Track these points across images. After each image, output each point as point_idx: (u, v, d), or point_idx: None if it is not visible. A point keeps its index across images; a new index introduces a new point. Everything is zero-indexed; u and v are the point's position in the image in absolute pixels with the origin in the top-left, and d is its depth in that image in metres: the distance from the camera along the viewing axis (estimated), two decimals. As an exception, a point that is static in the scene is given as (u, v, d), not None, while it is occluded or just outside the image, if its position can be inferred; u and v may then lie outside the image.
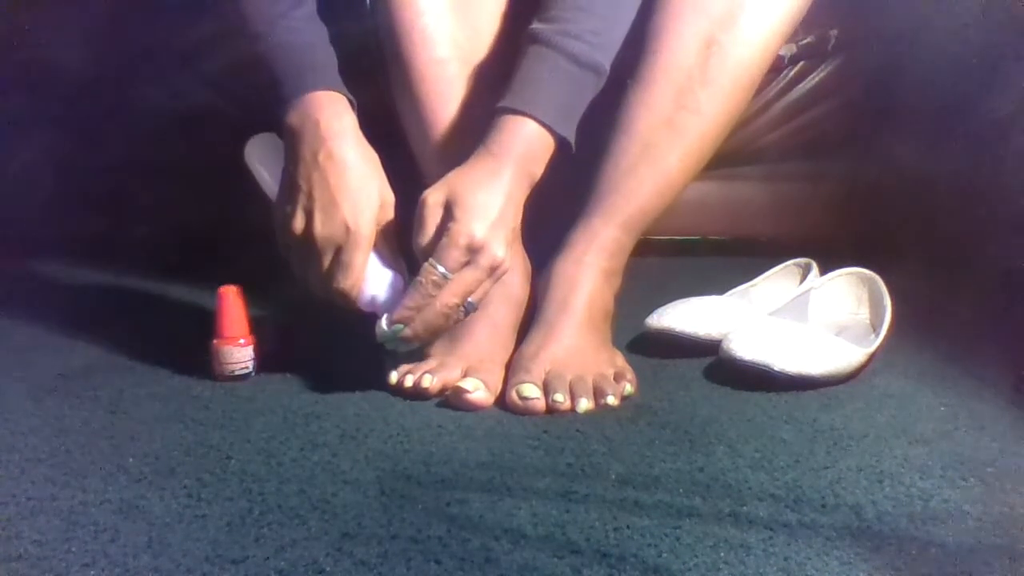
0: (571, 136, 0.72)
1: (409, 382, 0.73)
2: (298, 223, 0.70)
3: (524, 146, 0.70)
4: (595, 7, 0.73)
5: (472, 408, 0.70)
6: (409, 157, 0.85)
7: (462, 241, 0.67)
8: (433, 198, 0.69)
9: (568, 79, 0.72)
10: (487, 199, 0.68)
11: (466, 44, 0.80)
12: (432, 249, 0.68)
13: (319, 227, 0.70)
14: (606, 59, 0.73)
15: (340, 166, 0.71)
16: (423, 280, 0.67)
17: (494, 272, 0.69)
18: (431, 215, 0.69)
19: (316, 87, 0.72)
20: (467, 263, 0.67)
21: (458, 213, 0.67)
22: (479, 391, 0.71)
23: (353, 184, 0.70)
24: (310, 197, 0.70)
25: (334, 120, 0.72)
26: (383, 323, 0.69)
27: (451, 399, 0.71)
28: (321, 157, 0.71)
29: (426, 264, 0.68)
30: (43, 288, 1.12)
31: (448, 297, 0.68)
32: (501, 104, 0.71)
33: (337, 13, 0.83)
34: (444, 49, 0.79)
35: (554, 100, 0.71)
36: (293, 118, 0.72)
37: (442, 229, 0.68)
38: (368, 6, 0.82)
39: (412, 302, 0.68)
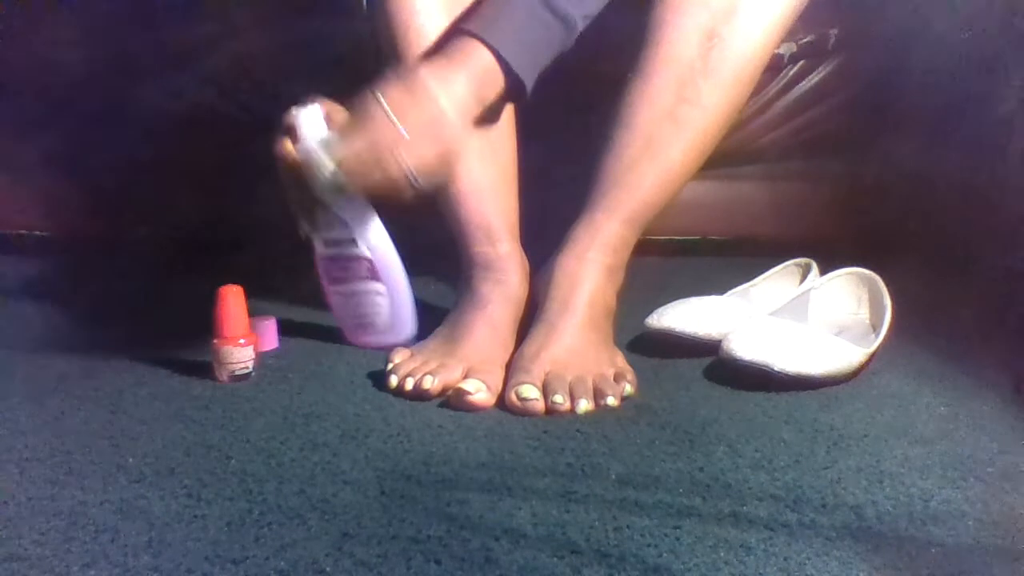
0: (527, 78, 0.74)
1: (410, 384, 0.73)
2: None
3: (472, 67, 0.72)
4: None
5: (473, 409, 0.70)
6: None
7: (408, 78, 0.70)
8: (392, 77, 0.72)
9: (533, 20, 0.73)
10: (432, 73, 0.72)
11: None
12: None
13: None
14: (578, 14, 0.74)
15: None
16: (361, 103, 0.70)
17: (429, 112, 0.71)
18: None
19: None
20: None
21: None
22: (480, 392, 0.70)
23: None
24: None
25: None
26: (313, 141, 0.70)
27: (452, 400, 0.71)
28: None
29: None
30: (43, 288, 1.12)
31: (382, 129, 0.70)
32: (462, 26, 0.73)
33: (335, 14, 0.83)
34: None
35: (515, 35, 0.73)
36: None
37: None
38: (365, 7, 0.83)
39: (345, 122, 0.71)
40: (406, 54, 0.79)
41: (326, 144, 0.70)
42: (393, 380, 0.74)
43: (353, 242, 0.80)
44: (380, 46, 0.82)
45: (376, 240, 0.81)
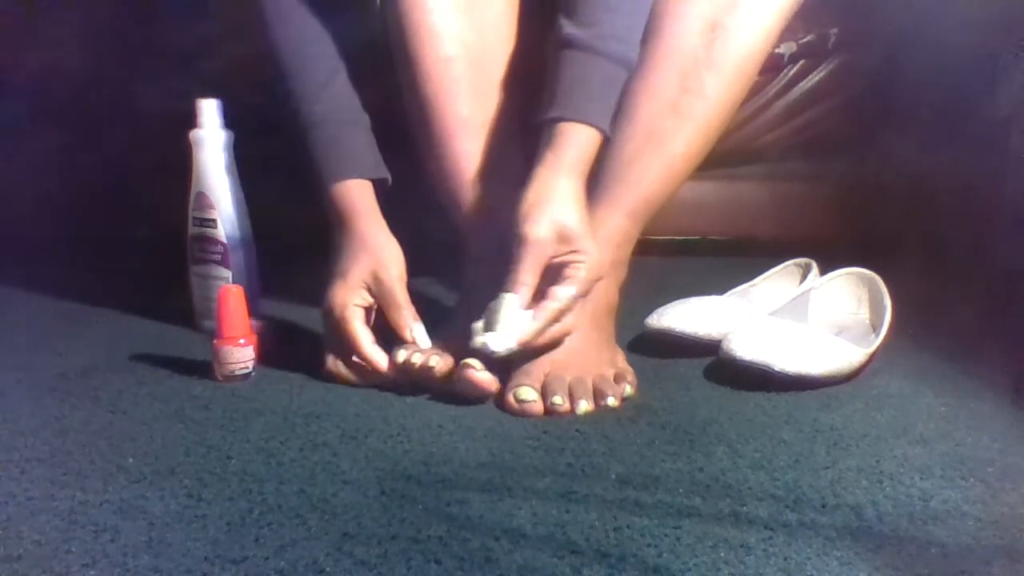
0: (611, 130, 0.75)
1: (417, 360, 0.73)
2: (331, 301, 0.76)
3: (585, 153, 0.73)
4: (623, 6, 0.74)
5: (478, 390, 0.70)
6: (417, 157, 0.85)
7: (595, 275, 0.72)
8: (545, 234, 0.70)
9: (609, 79, 0.74)
10: (577, 216, 0.71)
11: (473, 43, 0.80)
12: (555, 280, 0.71)
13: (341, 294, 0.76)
14: (635, 53, 0.75)
15: (359, 242, 0.78)
16: (557, 306, 0.70)
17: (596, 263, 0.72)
18: (544, 251, 0.70)
19: (346, 176, 0.80)
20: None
21: (579, 246, 0.71)
22: (485, 371, 0.71)
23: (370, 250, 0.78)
24: (343, 276, 0.77)
25: (358, 206, 0.80)
26: (497, 345, 0.69)
27: (458, 377, 0.71)
28: (345, 242, 0.79)
29: (557, 291, 0.70)
30: (43, 288, 1.12)
31: (571, 316, 0.72)
32: (555, 114, 0.73)
33: (347, 13, 0.83)
34: (452, 48, 0.79)
35: (602, 102, 0.74)
36: (328, 201, 0.81)
37: (561, 261, 0.71)
38: (377, 6, 0.83)
39: (543, 325, 0.70)
40: (417, 54, 0.79)
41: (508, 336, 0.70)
42: (401, 354, 0.74)
43: (214, 223, 0.89)
44: (391, 45, 0.82)
45: (235, 228, 0.90)
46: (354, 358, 0.76)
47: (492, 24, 0.81)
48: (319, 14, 0.82)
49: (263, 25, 0.82)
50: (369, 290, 0.76)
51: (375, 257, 0.77)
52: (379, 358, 0.74)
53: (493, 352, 0.69)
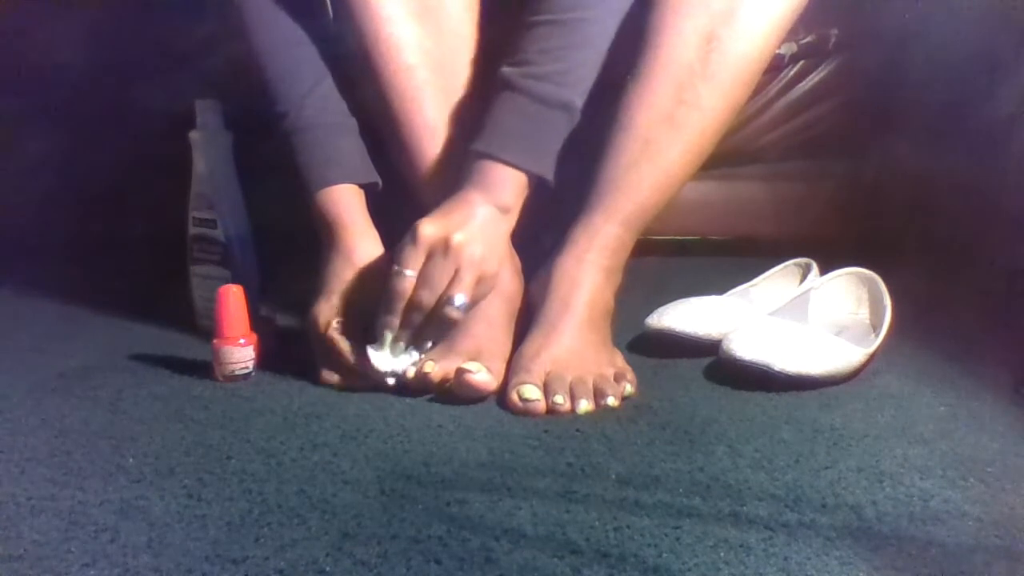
0: (547, 172, 0.76)
1: (411, 371, 0.73)
2: (318, 317, 0.77)
3: (496, 188, 0.75)
4: (560, 50, 0.75)
5: (476, 391, 0.70)
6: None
7: (412, 238, 0.70)
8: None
9: (537, 120, 0.75)
10: (453, 220, 0.72)
11: (433, 49, 0.81)
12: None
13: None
14: (576, 95, 0.76)
15: (344, 256, 0.79)
16: (389, 282, 0.71)
17: (464, 263, 0.71)
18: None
19: (332, 182, 0.81)
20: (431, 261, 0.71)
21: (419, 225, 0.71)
22: (482, 372, 0.71)
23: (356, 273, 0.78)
24: (327, 294, 0.78)
25: (344, 216, 0.80)
26: (374, 349, 0.73)
27: (455, 384, 0.71)
28: (331, 255, 0.79)
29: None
30: (43, 288, 1.12)
31: (419, 293, 0.71)
32: (473, 147, 0.75)
33: (307, 27, 0.83)
34: (412, 56, 0.80)
35: (523, 141, 0.75)
36: (314, 209, 0.81)
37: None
38: (330, 16, 0.83)
39: (383, 304, 0.71)
40: (379, 65, 0.80)
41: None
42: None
43: (214, 223, 0.89)
44: (351, 57, 0.82)
45: (235, 228, 0.90)
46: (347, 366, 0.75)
47: (451, 28, 0.82)
48: (302, 19, 0.82)
49: (245, 32, 0.82)
50: (353, 308, 0.76)
51: (360, 273, 0.78)
52: (374, 375, 0.73)
53: (393, 373, 0.73)
